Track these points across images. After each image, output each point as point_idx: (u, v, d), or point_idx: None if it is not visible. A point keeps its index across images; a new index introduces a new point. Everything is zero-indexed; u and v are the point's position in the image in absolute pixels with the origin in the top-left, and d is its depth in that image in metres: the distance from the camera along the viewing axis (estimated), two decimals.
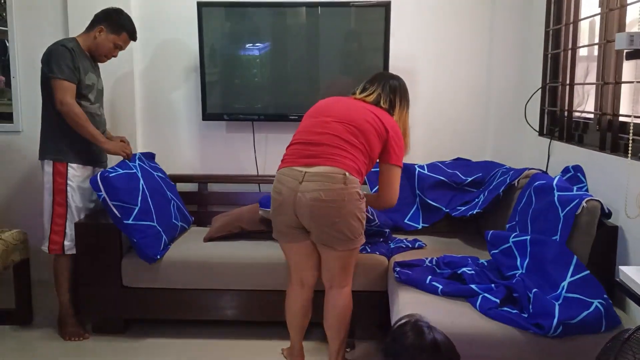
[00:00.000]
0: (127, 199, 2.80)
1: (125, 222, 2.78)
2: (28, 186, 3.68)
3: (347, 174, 2.30)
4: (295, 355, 2.67)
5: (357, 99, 2.55)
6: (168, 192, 3.18)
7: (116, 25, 2.93)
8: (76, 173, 2.91)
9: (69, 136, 2.85)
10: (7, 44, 3.62)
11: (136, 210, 2.81)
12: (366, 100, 2.53)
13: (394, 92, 2.57)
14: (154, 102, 3.65)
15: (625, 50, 1.75)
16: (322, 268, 2.48)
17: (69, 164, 2.89)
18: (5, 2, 3.57)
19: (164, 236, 2.93)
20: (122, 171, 2.88)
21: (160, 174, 3.24)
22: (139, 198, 2.86)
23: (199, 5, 3.36)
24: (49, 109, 2.87)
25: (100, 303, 2.93)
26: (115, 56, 3.03)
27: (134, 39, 3.04)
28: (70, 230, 2.90)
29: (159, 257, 2.86)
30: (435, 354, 1.61)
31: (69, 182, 2.88)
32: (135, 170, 2.97)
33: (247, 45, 3.46)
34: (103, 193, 2.77)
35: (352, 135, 2.38)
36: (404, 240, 3.05)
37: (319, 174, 2.29)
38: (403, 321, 1.67)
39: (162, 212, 3.00)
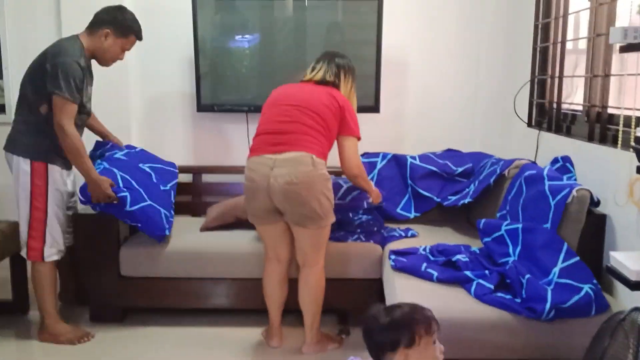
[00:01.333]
0: (115, 190, 2.79)
1: (125, 210, 2.79)
2: None
3: (314, 157, 2.51)
4: (273, 334, 2.78)
5: (308, 82, 2.73)
6: (140, 165, 3.15)
7: (123, 28, 2.74)
8: (56, 176, 2.71)
9: (52, 139, 2.65)
10: None
11: (129, 197, 2.81)
12: (314, 79, 2.72)
13: (339, 67, 2.76)
14: (148, 94, 3.66)
15: (619, 44, 1.82)
16: (295, 248, 2.69)
17: (49, 164, 2.68)
18: None
19: (162, 210, 2.95)
20: (100, 168, 2.86)
21: (122, 154, 3.13)
22: (121, 185, 2.84)
23: None
24: (36, 110, 2.65)
25: (99, 292, 2.96)
26: (121, 59, 2.86)
27: (141, 38, 2.86)
28: (51, 235, 2.73)
29: (167, 232, 2.91)
30: (398, 325, 1.64)
31: (49, 185, 2.69)
32: (103, 164, 2.94)
33: (237, 37, 3.49)
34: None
35: (313, 121, 2.57)
36: (397, 229, 3.12)
37: (289, 159, 2.50)
38: (365, 317, 1.72)
39: (148, 187, 2.99)
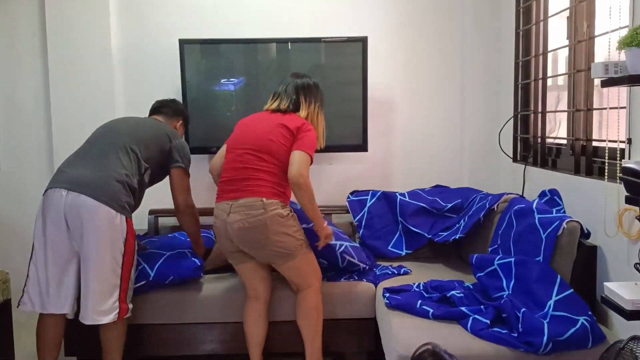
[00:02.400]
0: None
1: (151, 279, 2.81)
2: (8, 224, 3.63)
3: (264, 199, 2.55)
4: None
5: (267, 112, 2.77)
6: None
7: (187, 121, 3.18)
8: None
9: (137, 200, 2.71)
10: None
11: (146, 267, 2.84)
12: (271, 109, 2.76)
13: (297, 92, 2.77)
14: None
15: (600, 79, 1.87)
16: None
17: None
18: None
19: (187, 250, 2.99)
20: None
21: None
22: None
23: (181, 42, 3.43)
24: (143, 174, 2.72)
25: (86, 342, 2.87)
26: None
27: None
28: (131, 291, 2.67)
29: (198, 262, 2.89)
30: None
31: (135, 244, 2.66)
32: None
33: (223, 81, 3.53)
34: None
35: (263, 162, 2.61)
36: (389, 267, 3.11)
37: (241, 205, 2.56)
38: (422, 349, 1.73)
39: (164, 245, 3.09)
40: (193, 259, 2.90)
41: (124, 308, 2.57)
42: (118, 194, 2.54)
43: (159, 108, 3.08)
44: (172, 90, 3.59)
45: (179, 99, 3.51)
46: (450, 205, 3.33)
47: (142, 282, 2.79)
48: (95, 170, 2.57)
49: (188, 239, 3.11)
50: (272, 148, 2.61)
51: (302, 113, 2.75)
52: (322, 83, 3.50)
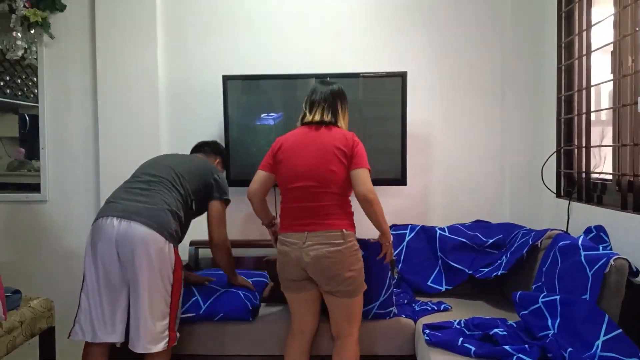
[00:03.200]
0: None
1: (201, 312, 2.88)
2: (54, 254, 3.74)
3: (344, 231, 2.55)
4: None
5: (310, 129, 2.70)
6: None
7: (226, 161, 3.33)
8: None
9: (183, 231, 2.77)
10: (27, 118, 3.79)
11: (199, 299, 2.93)
12: (316, 121, 2.70)
13: (334, 100, 2.74)
14: None
15: None
16: (330, 320, 2.71)
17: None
18: (37, 80, 3.74)
19: (241, 292, 2.99)
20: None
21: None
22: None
23: (224, 78, 3.52)
24: (188, 203, 2.78)
25: None
26: None
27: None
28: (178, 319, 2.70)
29: (250, 306, 2.91)
30: None
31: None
32: None
33: (263, 115, 3.60)
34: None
35: (333, 195, 2.60)
36: (429, 303, 3.06)
37: (319, 236, 2.55)
38: None
39: (223, 281, 3.13)
40: (246, 301, 2.92)
41: (173, 337, 2.60)
42: (168, 222, 2.59)
43: (200, 147, 3.23)
44: (214, 124, 3.69)
45: (222, 133, 3.60)
46: (492, 240, 3.27)
47: (192, 314, 2.84)
48: (144, 200, 2.63)
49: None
50: (337, 180, 2.60)
51: (342, 123, 2.75)
52: (361, 118, 3.58)
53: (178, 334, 2.65)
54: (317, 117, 2.71)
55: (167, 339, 2.56)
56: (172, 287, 2.57)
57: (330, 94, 2.73)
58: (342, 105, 2.76)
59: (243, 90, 3.60)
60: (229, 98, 3.54)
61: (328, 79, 3.51)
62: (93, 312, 2.58)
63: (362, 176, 2.58)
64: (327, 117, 2.70)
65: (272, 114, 3.62)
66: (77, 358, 3.00)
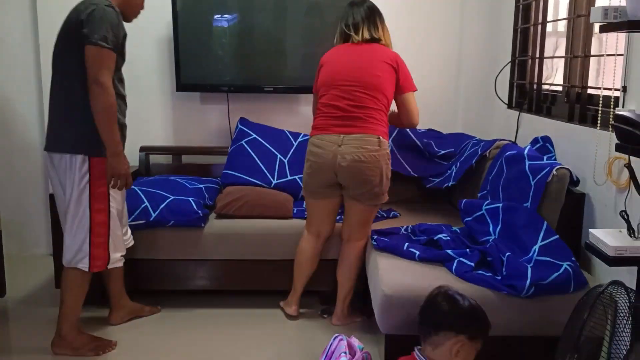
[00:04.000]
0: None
1: (152, 219, 2.83)
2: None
3: (380, 138, 2.58)
4: (294, 302, 2.87)
5: (356, 45, 2.68)
6: (168, 177, 3.26)
7: None
8: None
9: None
10: None
11: (149, 207, 2.86)
12: (364, 39, 2.67)
13: (374, 16, 2.71)
14: (126, 74, 3.57)
15: (599, 24, 1.83)
16: (343, 223, 2.79)
17: (105, 157, 2.35)
18: None
19: (191, 199, 2.93)
20: None
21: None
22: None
23: None
24: (75, 86, 2.32)
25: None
26: (142, 9, 2.60)
27: None
28: (114, 239, 2.48)
29: (200, 213, 2.88)
30: (473, 318, 1.79)
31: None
32: None
33: (216, 17, 3.44)
34: None
35: (375, 100, 2.60)
36: (379, 210, 3.12)
37: (356, 139, 2.56)
38: (434, 293, 1.87)
39: (171, 189, 3.02)
40: (197, 208, 2.88)
41: (101, 255, 2.45)
42: (68, 131, 2.36)
43: None
44: (162, 26, 3.50)
45: (170, 35, 3.43)
46: (443, 152, 3.29)
47: (142, 221, 2.82)
48: (50, 118, 2.43)
49: (191, 185, 3.09)
50: (382, 85, 2.60)
51: (382, 36, 2.71)
52: (318, 24, 3.46)
53: (113, 257, 2.49)
54: (367, 35, 2.67)
55: (87, 257, 2.41)
56: (91, 198, 2.37)
57: (369, 11, 2.70)
58: (379, 19, 2.73)
59: None
60: None
61: None
62: (118, 232, 2.54)
63: (409, 102, 2.70)
64: (376, 34, 2.69)
65: (226, 15, 3.46)
66: (25, 262, 2.98)
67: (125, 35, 2.43)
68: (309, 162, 2.68)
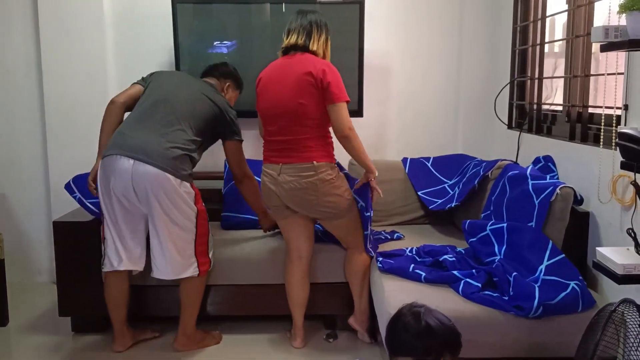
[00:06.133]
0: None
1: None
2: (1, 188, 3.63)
3: (315, 162, 2.58)
4: (296, 334, 2.84)
5: (285, 59, 2.67)
6: None
7: (238, 83, 3.06)
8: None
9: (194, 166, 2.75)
10: None
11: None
12: (290, 44, 2.65)
13: (310, 24, 2.66)
14: None
15: (599, 44, 1.85)
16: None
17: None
18: None
19: None
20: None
21: None
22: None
23: (174, 2, 3.35)
24: (204, 144, 2.80)
25: (80, 301, 2.90)
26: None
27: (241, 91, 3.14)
28: (211, 244, 2.81)
29: None
30: (430, 336, 1.71)
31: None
32: None
33: (216, 43, 3.47)
34: (78, 194, 2.87)
35: (305, 127, 2.59)
36: (383, 232, 3.12)
37: (292, 168, 2.60)
38: (401, 305, 1.77)
39: None
40: None
41: (204, 261, 2.72)
42: (182, 165, 2.60)
43: (209, 71, 3.02)
44: (165, 52, 3.54)
45: (172, 61, 3.46)
46: (451, 182, 3.34)
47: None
48: (159, 141, 2.58)
49: None
50: (307, 111, 2.57)
51: (318, 49, 2.66)
52: None
53: (212, 260, 2.78)
54: (292, 40, 2.66)
55: (196, 264, 2.68)
56: (197, 215, 2.65)
57: (307, 21, 2.68)
58: (318, 31, 2.68)
59: (194, 16, 3.44)
60: (179, 24, 3.38)
61: (284, 4, 3.42)
62: (117, 243, 2.64)
63: (339, 111, 2.56)
64: (301, 40, 2.65)
65: (225, 42, 3.50)
66: (27, 290, 2.98)
67: None
68: (261, 187, 2.77)
